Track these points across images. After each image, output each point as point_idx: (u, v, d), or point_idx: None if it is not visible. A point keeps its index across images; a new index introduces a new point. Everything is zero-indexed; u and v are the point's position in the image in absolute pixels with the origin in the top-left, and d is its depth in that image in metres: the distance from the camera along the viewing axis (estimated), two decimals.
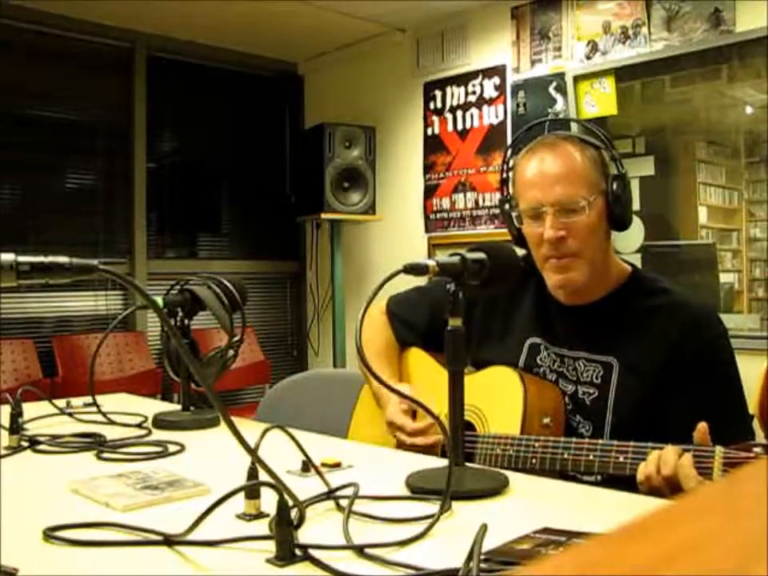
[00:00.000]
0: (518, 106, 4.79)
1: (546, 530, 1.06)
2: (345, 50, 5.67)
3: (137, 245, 5.20)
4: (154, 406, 2.27)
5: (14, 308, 4.65)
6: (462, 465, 1.37)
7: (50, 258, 0.76)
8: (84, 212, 5.07)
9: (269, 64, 5.89)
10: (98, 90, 5.14)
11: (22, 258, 0.75)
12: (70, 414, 2.08)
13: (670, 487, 1.34)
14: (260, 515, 1.18)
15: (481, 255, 1.42)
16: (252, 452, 0.96)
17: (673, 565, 0.29)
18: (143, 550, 1.09)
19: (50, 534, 1.12)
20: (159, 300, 1.96)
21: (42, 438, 1.78)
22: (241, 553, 1.06)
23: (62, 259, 0.76)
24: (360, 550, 1.04)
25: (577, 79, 4.46)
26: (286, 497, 1.02)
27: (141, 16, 4.91)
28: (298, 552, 1.02)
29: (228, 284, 1.94)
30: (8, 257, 0.75)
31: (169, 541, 1.09)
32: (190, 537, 1.10)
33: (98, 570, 1.03)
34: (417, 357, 1.95)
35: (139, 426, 1.93)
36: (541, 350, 1.77)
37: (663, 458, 1.36)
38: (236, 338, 1.92)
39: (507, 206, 1.79)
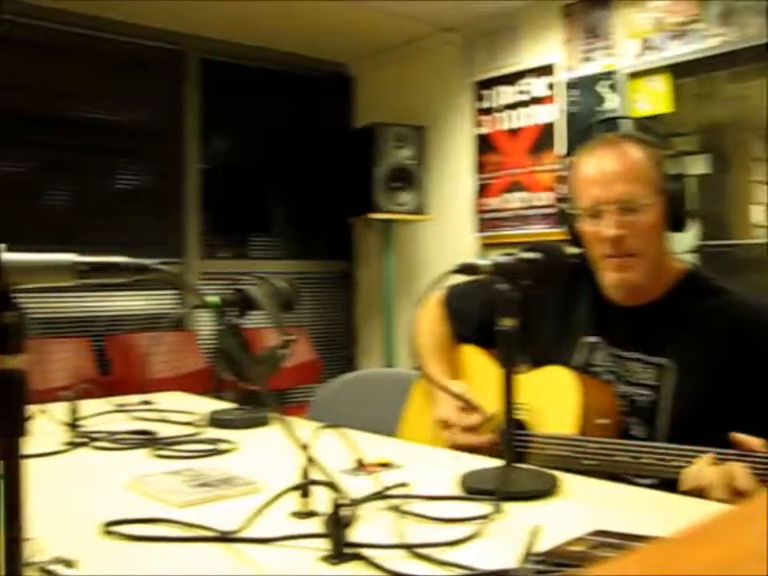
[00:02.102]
0: (569, 104, 4.75)
1: (600, 533, 1.05)
2: (395, 50, 5.68)
3: (189, 245, 5.27)
4: (207, 404, 2.30)
5: (69, 307, 4.74)
6: (513, 465, 1.36)
7: (108, 259, 0.77)
8: (137, 213, 5.14)
9: (319, 65, 5.92)
10: (150, 92, 5.22)
11: (81, 259, 0.77)
12: (126, 412, 2.11)
13: (734, 496, 1.31)
14: (312, 514, 1.18)
15: (535, 255, 1.41)
16: (306, 450, 0.97)
17: (738, 569, 0.29)
18: (198, 546, 1.10)
19: (108, 528, 1.14)
20: (215, 299, 1.98)
21: (98, 435, 1.81)
22: (293, 551, 1.07)
23: (119, 259, 0.78)
24: (411, 550, 1.04)
25: (629, 77, 4.41)
26: (339, 496, 1.02)
27: (192, 19, 4.97)
28: (349, 551, 1.03)
29: (280, 284, 1.96)
30: (68, 257, 0.77)
31: (224, 537, 1.10)
32: (244, 534, 1.11)
33: (155, 565, 1.04)
34: (471, 354, 1.94)
35: (192, 423, 1.95)
36: (597, 349, 1.76)
37: (733, 473, 1.31)
38: (288, 337, 1.94)
39: (564, 205, 1.77)
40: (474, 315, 1.94)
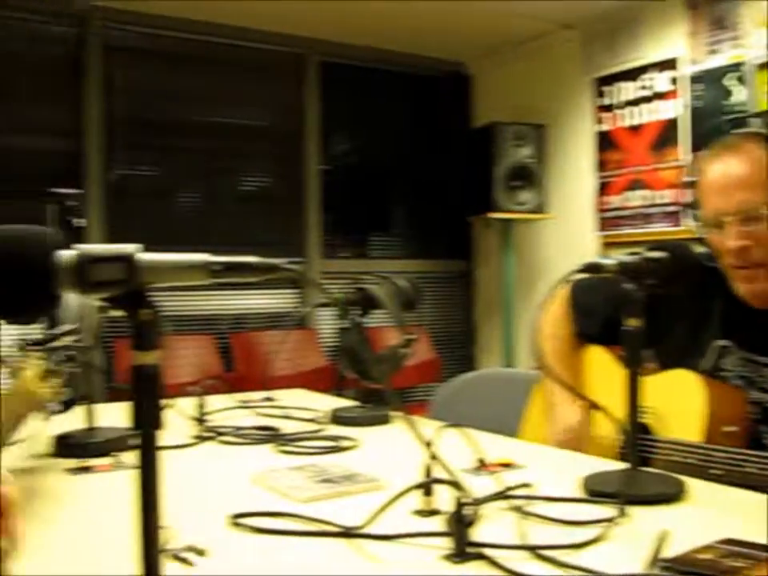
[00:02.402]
0: (693, 99, 4.61)
1: (729, 541, 1.02)
2: (514, 48, 5.63)
3: (310, 245, 5.36)
4: (329, 402, 2.33)
5: (195, 305, 4.90)
6: (638, 468, 1.34)
7: (240, 258, 0.80)
8: (260, 213, 5.26)
9: (437, 64, 5.93)
10: (273, 96, 5.34)
11: (214, 259, 0.80)
12: (251, 408, 2.17)
13: None
14: (434, 512, 1.19)
15: (661, 254, 1.37)
16: (429, 449, 0.98)
17: None
18: (322, 540, 1.12)
19: (236, 520, 1.18)
20: (341, 296, 2.01)
21: (224, 430, 1.87)
22: (416, 548, 1.08)
23: (251, 259, 0.80)
24: (534, 551, 1.03)
25: (759, 68, 4.24)
26: (462, 495, 1.02)
27: (312, 23, 5.05)
28: (471, 550, 1.02)
29: (402, 283, 1.97)
30: (202, 257, 0.80)
31: (348, 533, 1.12)
32: (367, 530, 1.12)
33: (280, 557, 1.07)
34: (596, 354, 1.90)
35: (314, 420, 1.99)
36: (728, 353, 1.69)
37: None
38: (410, 336, 1.95)
39: (692, 210, 1.71)
40: (600, 311, 1.89)
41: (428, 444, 1.00)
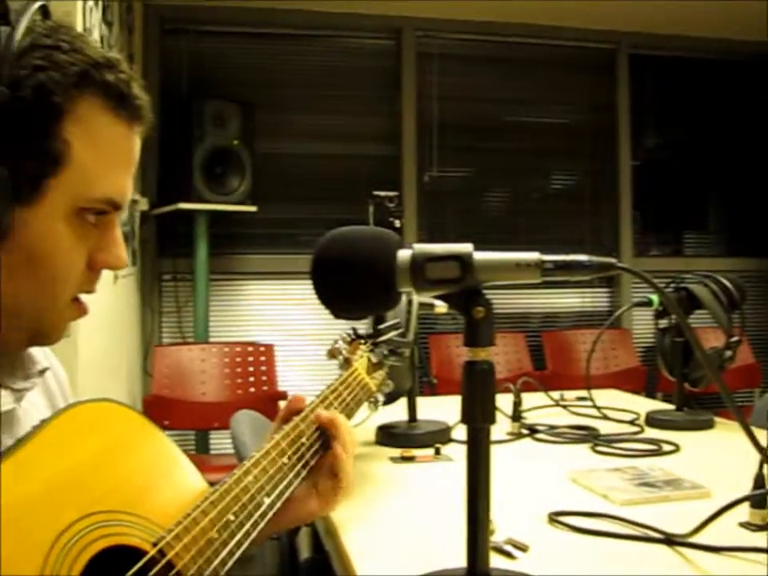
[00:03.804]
0: None
1: None
2: None
3: (623, 243, 5.23)
4: (643, 404, 2.27)
5: (507, 304, 4.96)
6: None
7: (571, 257, 0.80)
8: (570, 212, 5.22)
9: (750, 48, 5.51)
10: (583, 92, 5.26)
11: (545, 257, 0.80)
12: (565, 407, 2.16)
13: None
14: (766, 526, 1.12)
15: None
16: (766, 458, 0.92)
17: None
18: (641, 545, 1.10)
19: (554, 517, 1.18)
20: (654, 298, 1.95)
21: (540, 427, 1.88)
22: (743, 563, 1.03)
23: (582, 258, 0.80)
24: None
25: None
26: None
27: (623, 16, 4.92)
28: None
29: (726, 282, 1.87)
30: (534, 255, 0.81)
31: (671, 540, 1.09)
32: (692, 539, 1.08)
33: (597, 558, 1.06)
34: None
35: (632, 422, 1.94)
36: None
37: None
38: (734, 339, 1.85)
39: None
40: None
41: (764, 452, 0.94)
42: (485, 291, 0.82)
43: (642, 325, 5.08)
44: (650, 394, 4.37)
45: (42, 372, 0.92)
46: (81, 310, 0.87)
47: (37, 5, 0.78)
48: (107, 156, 0.81)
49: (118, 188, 0.83)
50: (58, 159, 0.77)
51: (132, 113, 0.83)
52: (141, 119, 0.85)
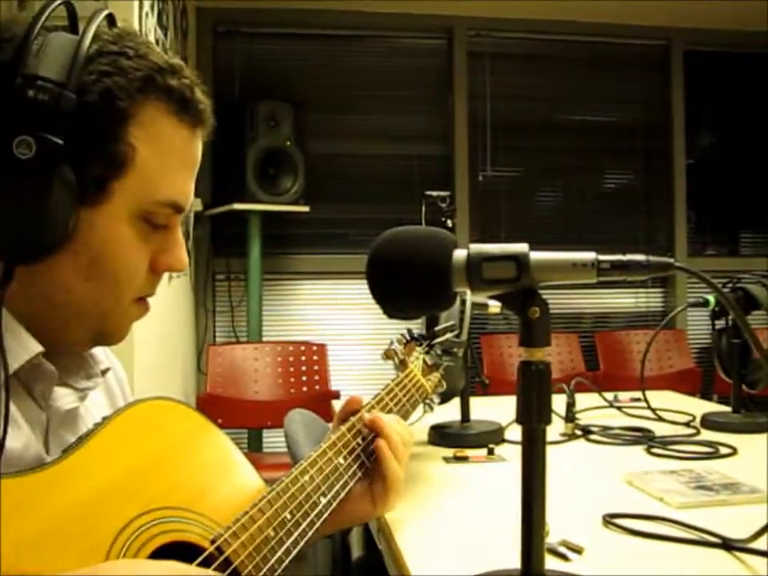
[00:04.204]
0: None
1: None
2: None
3: (677, 242, 5.15)
4: (699, 406, 2.24)
5: (559, 304, 4.92)
6: None
7: (628, 257, 0.79)
8: (623, 211, 5.16)
9: None
10: (636, 90, 5.20)
11: (602, 257, 0.80)
12: (619, 408, 2.14)
13: None
14: None
15: None
16: None
17: None
18: (697, 549, 1.09)
19: (609, 520, 1.18)
20: (710, 298, 1.93)
21: (593, 428, 1.87)
22: None
23: (639, 257, 0.79)
24: None
25: None
26: None
27: (676, 12, 4.85)
28: None
29: None
30: (589, 255, 0.80)
31: (728, 545, 1.07)
32: (751, 545, 1.06)
33: (652, 562, 1.05)
34: None
35: (687, 424, 1.92)
36: None
37: None
38: None
39: None
40: None
41: None
42: (540, 291, 0.82)
43: (697, 325, 5.01)
44: (706, 396, 4.31)
45: (105, 372, 0.94)
46: (144, 309, 0.89)
47: (104, 13, 0.80)
48: (170, 159, 0.83)
49: (180, 191, 0.84)
50: (122, 162, 0.78)
51: (194, 117, 0.85)
52: (203, 123, 0.87)
